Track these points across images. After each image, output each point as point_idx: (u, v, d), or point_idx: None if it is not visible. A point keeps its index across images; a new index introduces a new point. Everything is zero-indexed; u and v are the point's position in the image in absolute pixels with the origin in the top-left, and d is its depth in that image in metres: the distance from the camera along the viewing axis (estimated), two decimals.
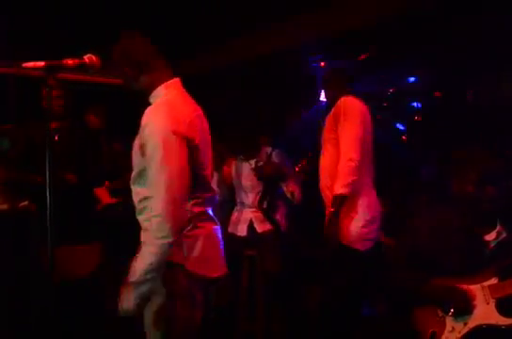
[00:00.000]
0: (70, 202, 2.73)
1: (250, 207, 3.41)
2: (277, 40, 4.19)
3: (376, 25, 3.62)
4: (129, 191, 1.82)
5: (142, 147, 1.69)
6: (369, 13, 3.60)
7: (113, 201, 4.07)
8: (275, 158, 3.38)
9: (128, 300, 1.65)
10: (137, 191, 1.78)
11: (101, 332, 3.02)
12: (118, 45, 1.81)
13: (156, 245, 1.62)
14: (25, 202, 3.13)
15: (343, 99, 2.77)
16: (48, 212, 1.44)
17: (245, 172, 3.45)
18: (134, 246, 1.82)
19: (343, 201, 2.58)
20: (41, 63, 1.55)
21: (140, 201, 1.77)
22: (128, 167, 1.85)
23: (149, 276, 1.63)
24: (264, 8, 3.80)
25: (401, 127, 5.20)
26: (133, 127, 1.71)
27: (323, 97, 5.57)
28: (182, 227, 1.67)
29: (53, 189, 1.48)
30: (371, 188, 2.77)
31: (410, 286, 2.08)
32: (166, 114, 1.69)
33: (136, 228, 1.85)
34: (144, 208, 1.75)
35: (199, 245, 1.76)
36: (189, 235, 1.75)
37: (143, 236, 1.77)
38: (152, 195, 1.65)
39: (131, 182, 1.82)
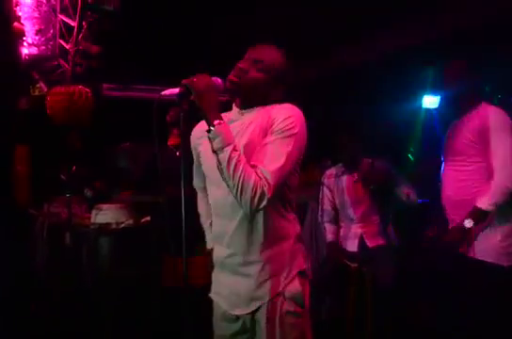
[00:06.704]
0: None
1: (358, 222, 3.34)
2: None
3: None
4: None
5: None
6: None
7: None
8: (378, 165, 3.31)
9: None
10: None
11: None
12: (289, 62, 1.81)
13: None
14: (148, 218, 3.34)
15: (490, 109, 2.61)
16: (183, 223, 1.60)
17: (349, 186, 3.40)
18: None
19: (485, 217, 2.54)
20: (176, 90, 1.59)
21: None
22: None
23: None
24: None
25: None
26: None
27: (426, 103, 5.37)
28: None
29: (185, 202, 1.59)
30: None
31: None
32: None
33: None
34: None
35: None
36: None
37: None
38: None
39: None
